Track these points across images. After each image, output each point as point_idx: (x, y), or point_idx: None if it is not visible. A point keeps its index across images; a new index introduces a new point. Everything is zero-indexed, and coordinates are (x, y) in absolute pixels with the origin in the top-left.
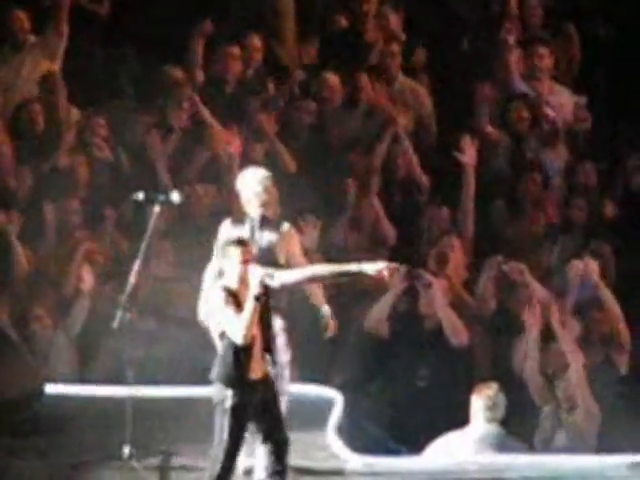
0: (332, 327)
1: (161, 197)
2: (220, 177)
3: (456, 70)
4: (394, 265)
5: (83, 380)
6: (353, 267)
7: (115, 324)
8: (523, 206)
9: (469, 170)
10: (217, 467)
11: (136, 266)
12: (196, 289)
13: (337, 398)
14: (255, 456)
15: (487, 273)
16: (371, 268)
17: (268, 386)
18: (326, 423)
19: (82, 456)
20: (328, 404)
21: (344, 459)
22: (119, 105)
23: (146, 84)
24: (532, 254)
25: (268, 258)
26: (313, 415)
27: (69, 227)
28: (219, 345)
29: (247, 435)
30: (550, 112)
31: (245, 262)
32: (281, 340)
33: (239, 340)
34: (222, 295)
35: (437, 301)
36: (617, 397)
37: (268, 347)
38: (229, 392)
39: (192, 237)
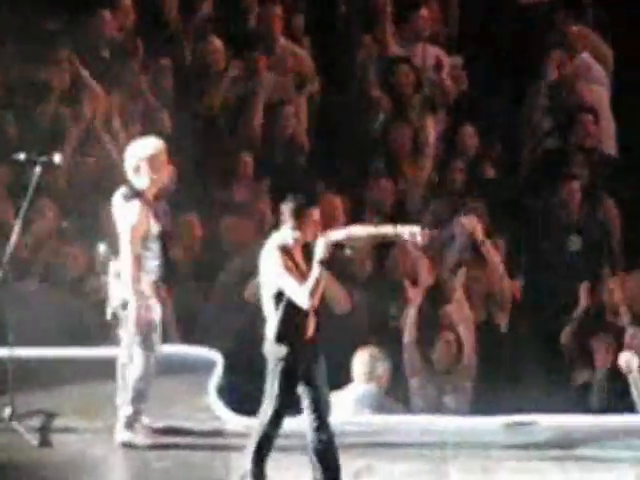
0: None
1: (42, 158)
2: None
3: (336, 33)
4: (427, 230)
5: None
6: (389, 229)
7: None
8: (400, 167)
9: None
10: (264, 426)
11: (17, 227)
12: (81, 251)
13: (218, 359)
14: (134, 430)
15: None
16: (406, 231)
17: (317, 346)
18: (207, 384)
19: None
20: (209, 365)
21: (225, 420)
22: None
23: (26, 43)
24: (410, 214)
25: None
26: (194, 376)
27: None
28: (270, 305)
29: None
30: (434, 76)
31: (315, 225)
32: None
33: (305, 305)
34: (281, 259)
35: None
36: (496, 356)
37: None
38: (286, 351)
39: (78, 200)
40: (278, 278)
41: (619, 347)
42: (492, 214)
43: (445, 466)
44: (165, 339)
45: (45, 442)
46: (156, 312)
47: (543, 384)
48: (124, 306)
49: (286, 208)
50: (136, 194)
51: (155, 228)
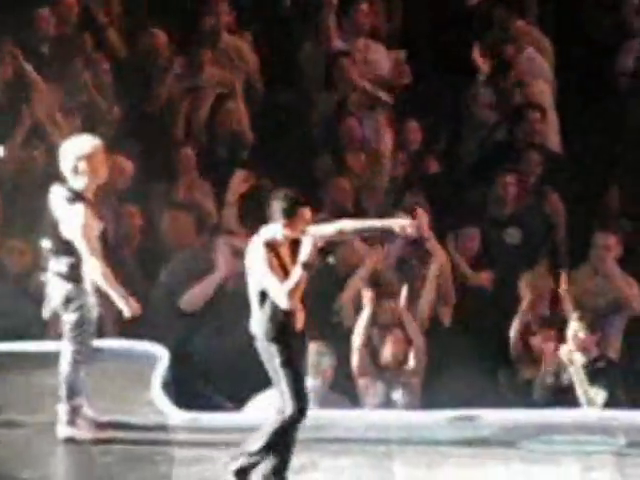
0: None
1: None
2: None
3: (279, 28)
4: (417, 222)
5: None
6: (378, 223)
7: None
8: (346, 163)
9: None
10: (283, 422)
11: None
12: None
13: (162, 353)
14: (77, 426)
15: None
16: (396, 224)
17: (305, 336)
18: (151, 379)
19: None
20: (153, 360)
21: (167, 415)
22: None
23: None
24: (356, 209)
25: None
26: (138, 371)
27: None
28: (255, 301)
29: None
30: (373, 73)
31: (306, 224)
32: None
33: (284, 305)
34: (267, 256)
35: None
36: (440, 351)
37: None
38: (280, 347)
39: (25, 196)
40: (262, 277)
41: (561, 341)
42: (433, 208)
43: (389, 461)
44: (104, 334)
45: None
46: (94, 309)
47: (488, 379)
48: (67, 303)
49: (277, 206)
50: (78, 196)
51: (97, 228)
